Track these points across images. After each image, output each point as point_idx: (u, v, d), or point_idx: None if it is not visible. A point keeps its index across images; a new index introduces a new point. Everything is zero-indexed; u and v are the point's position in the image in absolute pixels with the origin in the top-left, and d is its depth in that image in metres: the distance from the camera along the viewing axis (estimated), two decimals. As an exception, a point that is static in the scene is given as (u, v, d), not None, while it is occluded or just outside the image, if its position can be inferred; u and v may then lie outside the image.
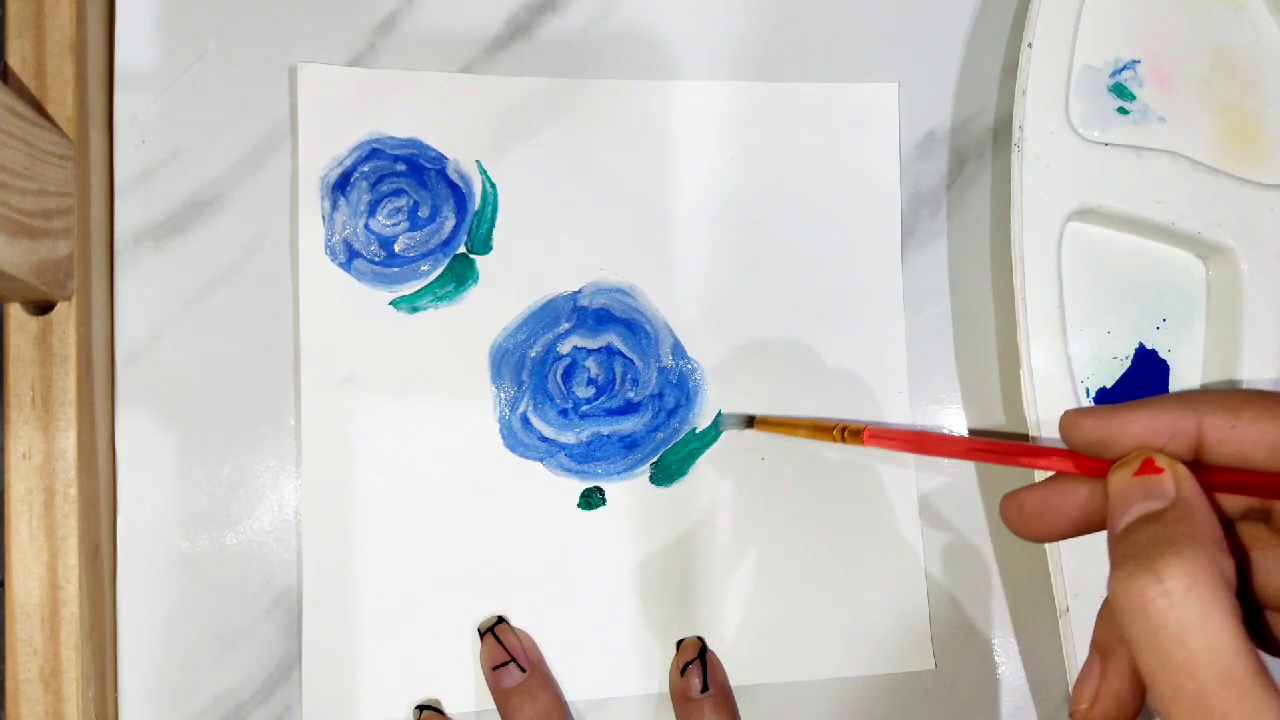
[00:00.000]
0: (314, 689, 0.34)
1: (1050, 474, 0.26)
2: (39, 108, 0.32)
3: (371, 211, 0.36)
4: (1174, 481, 0.22)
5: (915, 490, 0.37)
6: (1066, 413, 0.25)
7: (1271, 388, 0.36)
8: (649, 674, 0.36)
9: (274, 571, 0.34)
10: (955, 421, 0.38)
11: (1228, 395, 0.24)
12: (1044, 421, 0.34)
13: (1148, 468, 0.23)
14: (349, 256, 0.35)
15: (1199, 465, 0.23)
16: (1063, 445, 0.26)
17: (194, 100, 0.35)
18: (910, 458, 0.37)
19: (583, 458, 0.36)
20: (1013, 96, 0.36)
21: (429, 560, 0.35)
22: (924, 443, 0.29)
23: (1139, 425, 0.24)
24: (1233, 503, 0.24)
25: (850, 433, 0.32)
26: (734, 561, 0.36)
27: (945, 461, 0.38)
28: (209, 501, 0.34)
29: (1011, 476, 0.38)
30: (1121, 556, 0.21)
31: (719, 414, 0.37)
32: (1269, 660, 0.20)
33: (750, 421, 0.36)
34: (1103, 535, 0.23)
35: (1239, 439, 0.23)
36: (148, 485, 0.34)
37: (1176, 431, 0.23)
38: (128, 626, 0.34)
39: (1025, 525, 0.26)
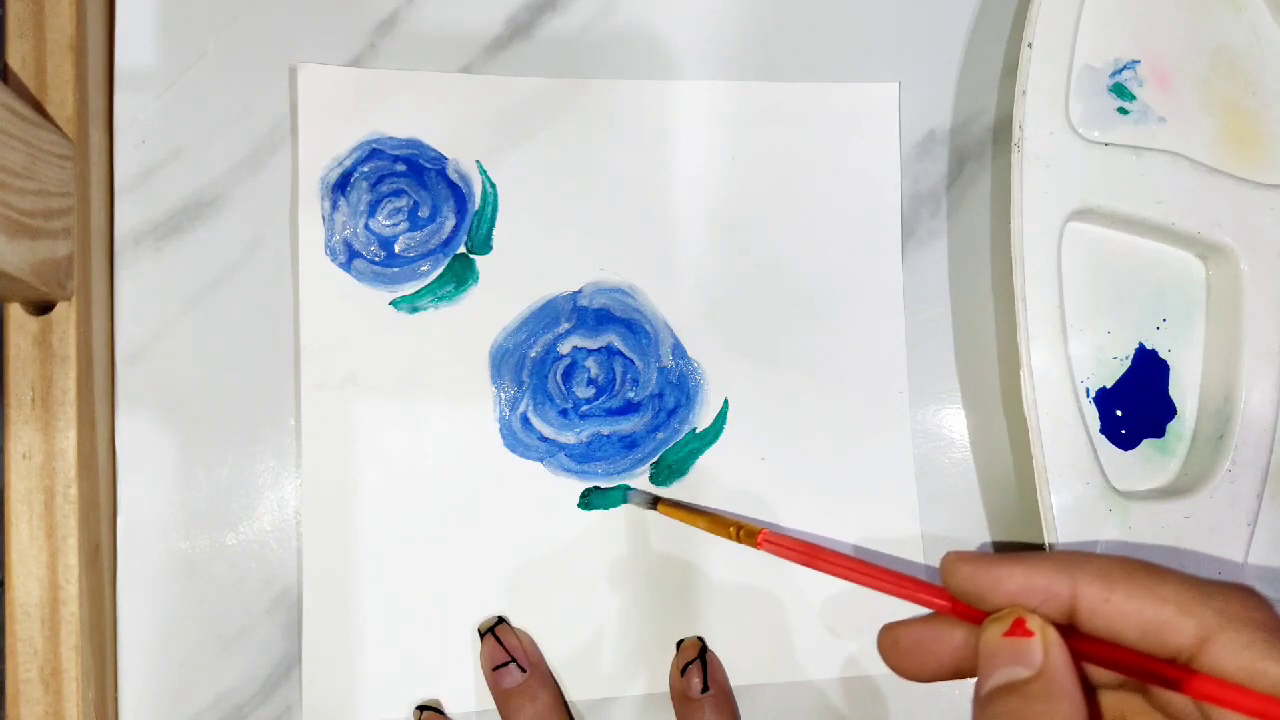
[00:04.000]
0: (314, 689, 0.34)
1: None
2: (39, 108, 0.32)
3: (371, 211, 0.36)
4: (1042, 648, 0.22)
5: (915, 491, 0.37)
6: (947, 556, 0.25)
7: (1272, 388, 0.36)
8: (649, 674, 0.36)
9: (274, 571, 0.34)
10: (955, 421, 0.38)
11: (1107, 564, 0.23)
12: (1044, 421, 0.34)
13: (1018, 628, 0.22)
14: (349, 256, 0.35)
15: (1072, 630, 0.23)
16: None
17: (194, 100, 0.35)
18: (910, 456, 0.37)
19: (583, 458, 0.36)
20: (1013, 96, 0.36)
21: (429, 560, 0.35)
22: (815, 555, 0.28)
23: (1014, 582, 0.23)
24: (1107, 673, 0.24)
25: (746, 533, 0.30)
26: (734, 561, 0.36)
27: (947, 462, 0.38)
28: (209, 501, 0.34)
29: (1006, 495, 0.38)
30: None
31: (626, 488, 0.36)
32: None
33: (654, 503, 0.35)
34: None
35: (1111, 614, 0.22)
36: (148, 485, 0.34)
37: (1051, 594, 0.23)
38: (128, 626, 0.34)
39: (899, 662, 0.26)
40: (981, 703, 0.22)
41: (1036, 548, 0.36)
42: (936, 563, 0.37)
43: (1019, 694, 0.21)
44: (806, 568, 0.28)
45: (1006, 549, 0.38)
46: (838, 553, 0.27)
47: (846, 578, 0.27)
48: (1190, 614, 0.22)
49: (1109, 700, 0.24)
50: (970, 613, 0.24)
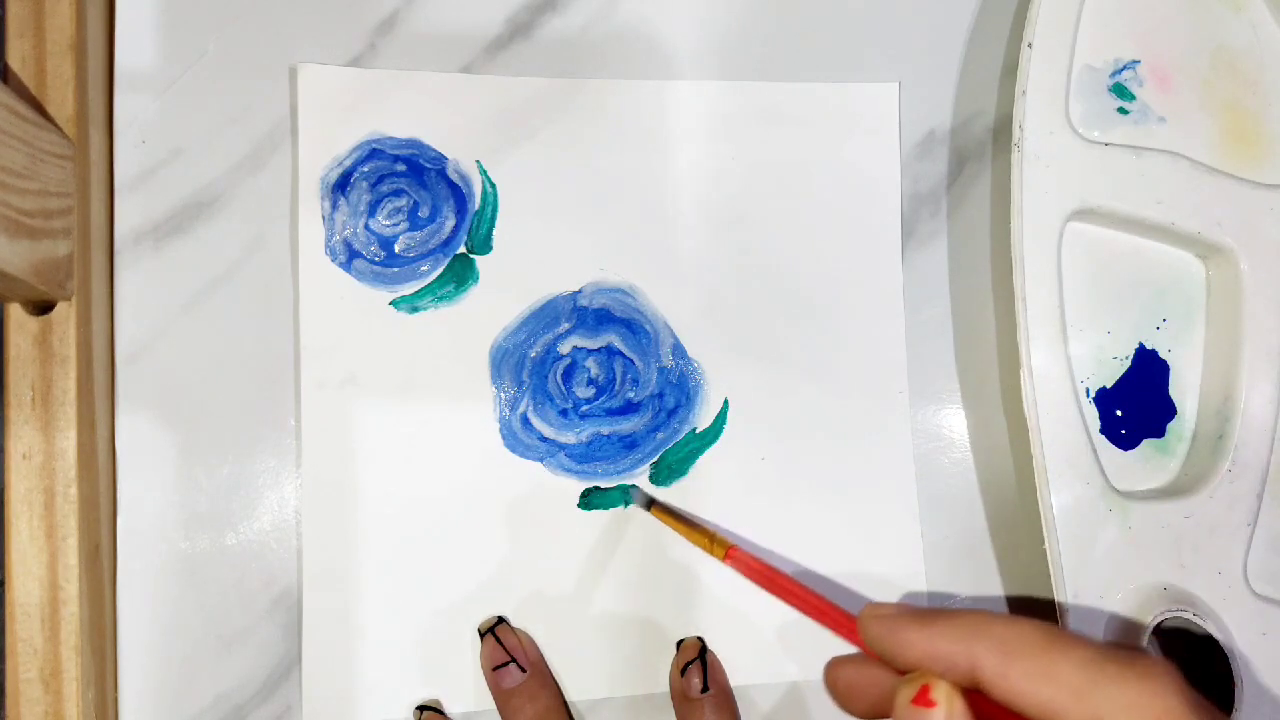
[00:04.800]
0: (314, 689, 0.34)
1: None
2: (39, 108, 0.32)
3: (371, 211, 0.36)
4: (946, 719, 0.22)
5: (915, 490, 0.37)
6: (864, 610, 0.25)
7: (1272, 388, 0.36)
8: (649, 674, 0.36)
9: (274, 571, 0.34)
10: (955, 421, 0.38)
11: (1008, 635, 0.23)
12: (1044, 421, 0.34)
13: (922, 698, 0.23)
14: (349, 256, 0.35)
15: (982, 695, 0.23)
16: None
17: (194, 100, 0.35)
18: (910, 456, 0.37)
19: (583, 458, 0.36)
20: (1013, 96, 0.36)
21: (429, 560, 0.35)
22: (772, 580, 0.29)
23: (918, 649, 0.23)
24: None
25: (718, 544, 0.31)
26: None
27: (947, 462, 0.38)
28: (209, 501, 0.34)
29: (1006, 495, 0.38)
30: None
31: (627, 487, 0.36)
32: None
33: (650, 505, 0.35)
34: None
35: (1009, 690, 0.22)
36: (148, 485, 0.34)
37: (951, 664, 0.23)
38: (128, 626, 0.34)
39: (838, 697, 0.26)
40: None
41: (1033, 556, 0.35)
42: (936, 562, 0.37)
43: None
44: (764, 590, 0.29)
45: (1006, 550, 0.38)
46: (794, 582, 0.28)
47: (796, 607, 0.28)
48: (1084, 701, 0.21)
49: None
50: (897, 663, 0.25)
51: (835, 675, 0.26)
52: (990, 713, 0.23)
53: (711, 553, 0.31)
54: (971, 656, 0.23)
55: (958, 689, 0.23)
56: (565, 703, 0.35)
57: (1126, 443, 0.38)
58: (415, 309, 0.36)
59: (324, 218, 0.35)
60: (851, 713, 0.26)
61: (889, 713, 0.25)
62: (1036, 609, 0.38)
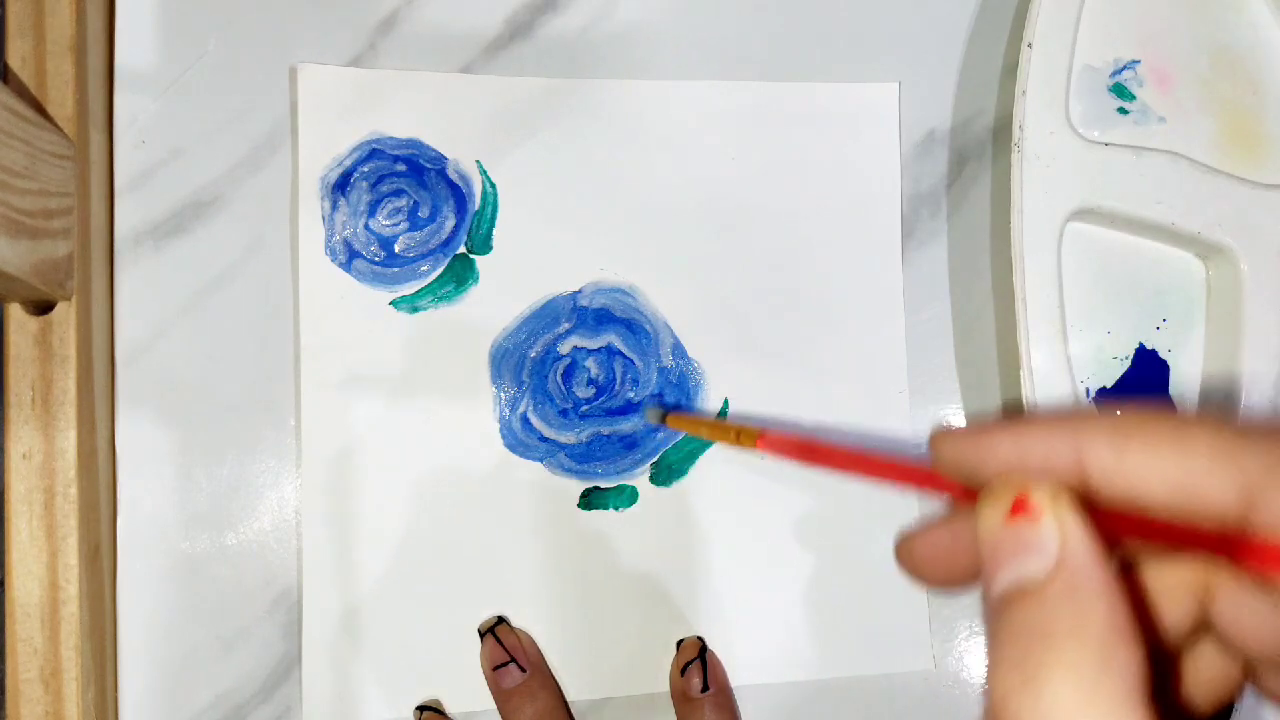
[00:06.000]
0: (314, 689, 0.34)
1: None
2: (39, 108, 0.32)
3: (371, 211, 0.36)
4: (1058, 533, 0.16)
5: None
6: (933, 432, 0.20)
7: (1272, 388, 0.36)
8: (649, 674, 0.36)
9: (274, 571, 0.34)
10: (955, 421, 0.38)
11: (1116, 419, 0.18)
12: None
13: (1020, 507, 0.17)
14: (349, 256, 0.35)
15: (1088, 503, 0.17)
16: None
17: (194, 100, 0.35)
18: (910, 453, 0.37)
19: (583, 458, 0.36)
20: (1013, 96, 0.36)
21: (429, 560, 0.35)
22: (813, 452, 0.23)
23: (1004, 450, 0.18)
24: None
25: (746, 435, 0.27)
26: (734, 561, 0.36)
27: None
28: (209, 501, 0.34)
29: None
30: (995, 652, 0.16)
31: (644, 400, 0.36)
32: None
33: (664, 416, 0.34)
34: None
35: (1128, 477, 0.17)
36: (148, 485, 0.34)
37: (1050, 462, 0.18)
38: (128, 626, 0.33)
39: (919, 570, 0.21)
40: (992, 614, 0.16)
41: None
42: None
43: (1037, 601, 0.16)
44: (807, 467, 0.24)
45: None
46: (836, 447, 0.23)
47: (847, 470, 0.22)
48: (1229, 462, 0.17)
49: (1182, 577, 0.19)
50: (974, 496, 0.19)
51: (910, 546, 0.21)
52: (1108, 528, 0.17)
53: (741, 445, 0.27)
54: (1077, 446, 0.18)
55: (1064, 489, 0.17)
56: (565, 703, 0.35)
57: (1126, 443, 0.37)
58: (415, 309, 0.36)
59: (324, 218, 0.35)
60: (938, 584, 0.21)
61: (977, 575, 0.19)
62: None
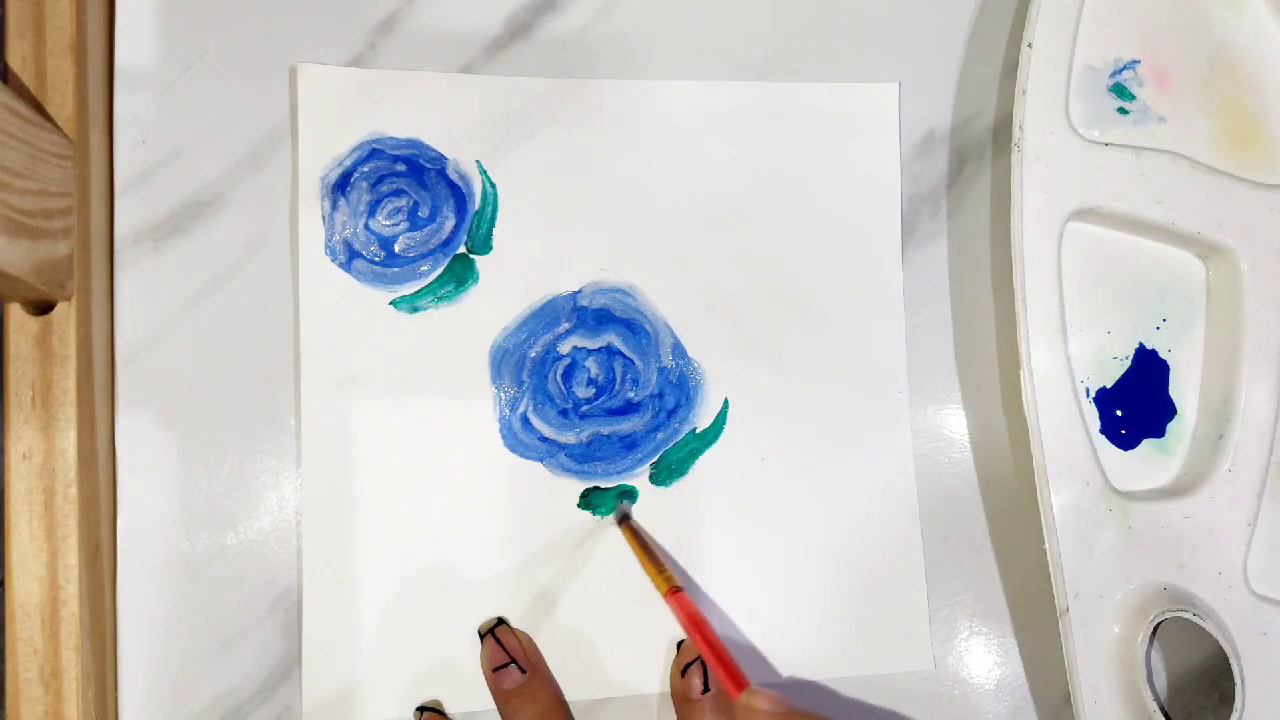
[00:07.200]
0: (314, 689, 0.34)
1: None
2: (39, 108, 0.32)
3: (371, 211, 0.36)
4: None
5: (915, 490, 0.37)
6: (743, 695, 0.28)
7: (1272, 388, 0.36)
8: (649, 674, 0.36)
9: (274, 571, 0.34)
10: (955, 421, 0.38)
11: None
12: (1044, 422, 0.34)
13: None
14: (349, 256, 0.35)
15: None
16: None
17: (194, 100, 0.35)
18: (910, 456, 0.37)
19: (583, 458, 0.36)
20: (1013, 96, 0.36)
21: (429, 560, 0.35)
22: (701, 632, 0.31)
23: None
24: None
25: (664, 578, 0.33)
26: (734, 561, 0.36)
27: (946, 461, 0.38)
28: (209, 501, 0.34)
29: (1006, 495, 0.38)
30: None
31: (624, 488, 0.36)
32: None
33: (623, 520, 0.36)
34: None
35: None
36: (148, 485, 0.34)
37: None
38: (128, 626, 0.33)
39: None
40: None
41: (1033, 556, 0.35)
42: (936, 562, 0.37)
43: None
44: (687, 635, 0.31)
45: (1006, 550, 0.38)
46: (715, 639, 0.30)
47: (706, 660, 0.31)
48: None
49: None
50: None
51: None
52: None
53: (656, 585, 0.33)
54: None
55: None
56: (565, 703, 0.35)
57: (1126, 443, 0.38)
58: (415, 309, 0.36)
59: (324, 218, 0.35)
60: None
61: None
62: (1037, 610, 0.38)
